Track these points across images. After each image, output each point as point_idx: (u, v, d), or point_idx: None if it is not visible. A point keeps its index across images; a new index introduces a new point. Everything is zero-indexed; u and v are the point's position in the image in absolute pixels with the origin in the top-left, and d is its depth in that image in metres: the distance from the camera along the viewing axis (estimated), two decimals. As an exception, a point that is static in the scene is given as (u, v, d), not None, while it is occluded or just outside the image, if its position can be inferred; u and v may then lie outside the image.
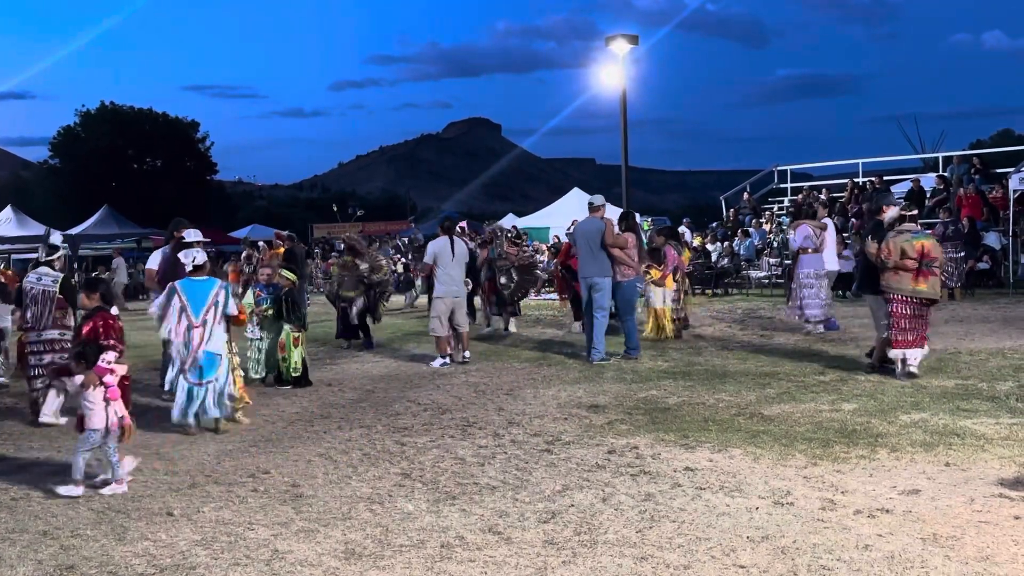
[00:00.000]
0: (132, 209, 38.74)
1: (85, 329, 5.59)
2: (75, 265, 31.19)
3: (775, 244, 20.85)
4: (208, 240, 9.03)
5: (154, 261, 9.29)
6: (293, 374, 9.04)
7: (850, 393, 7.67)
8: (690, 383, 8.48)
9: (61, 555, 4.35)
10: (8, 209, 30.17)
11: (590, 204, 10.56)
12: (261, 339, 9.34)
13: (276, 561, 4.18)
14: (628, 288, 10.13)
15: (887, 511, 4.54)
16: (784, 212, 23.33)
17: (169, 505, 5.12)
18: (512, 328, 13.54)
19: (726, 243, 22.52)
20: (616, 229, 10.51)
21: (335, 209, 23.63)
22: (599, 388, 8.41)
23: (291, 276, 9.59)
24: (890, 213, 8.65)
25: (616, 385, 8.54)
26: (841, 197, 22.22)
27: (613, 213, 11.97)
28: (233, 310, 7.21)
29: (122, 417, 5.49)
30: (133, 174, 50.33)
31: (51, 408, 7.44)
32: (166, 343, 7.46)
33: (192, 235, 8.25)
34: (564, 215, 25.02)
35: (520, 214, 35.64)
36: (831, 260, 12.25)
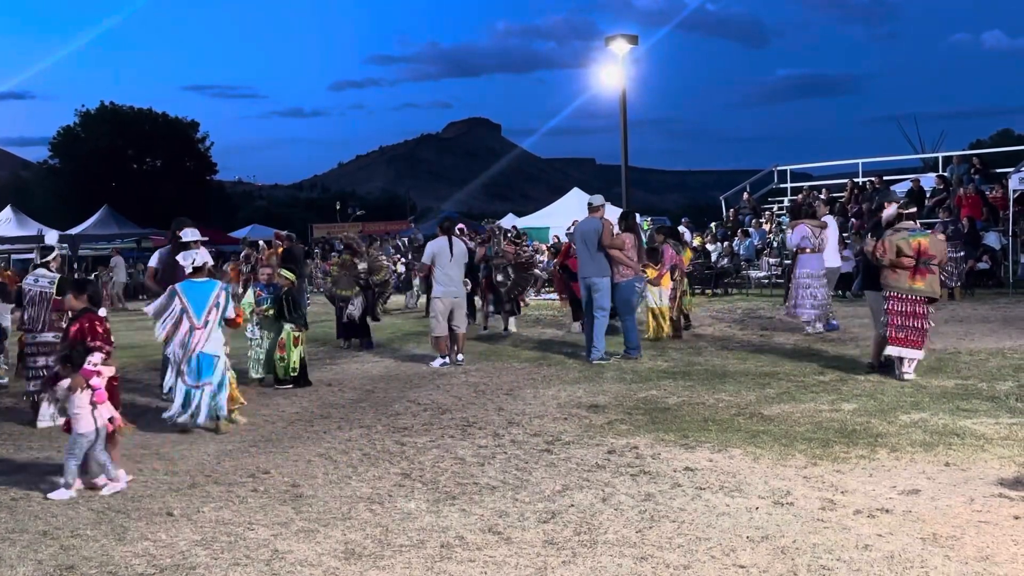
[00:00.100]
0: (132, 209, 38.76)
1: (72, 331, 5.58)
2: (75, 265, 31.22)
3: (775, 244, 20.85)
4: (206, 239, 9.02)
5: (155, 260, 9.30)
6: (291, 373, 9.04)
7: (850, 393, 7.67)
8: (690, 383, 8.48)
9: (61, 555, 4.36)
10: (8, 209, 30.20)
11: (589, 204, 10.56)
12: (261, 339, 9.34)
13: (276, 561, 4.18)
14: (626, 288, 10.13)
15: (887, 511, 4.54)
16: (784, 212, 23.33)
17: (169, 505, 5.12)
18: (512, 328, 13.54)
19: (726, 243, 22.52)
20: (616, 229, 10.51)
21: (337, 209, 23.66)
22: (599, 388, 8.42)
23: (290, 276, 9.59)
24: (888, 211, 8.65)
25: (616, 385, 8.54)
26: (841, 197, 22.22)
27: (613, 213, 11.98)
28: (231, 313, 7.21)
29: (112, 418, 5.48)
30: (133, 174, 50.36)
31: (48, 412, 7.45)
32: (167, 344, 7.46)
33: (189, 235, 8.25)
34: (564, 215, 25.03)
35: (520, 214, 35.65)
36: (832, 258, 12.23)
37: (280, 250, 15.26)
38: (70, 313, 5.88)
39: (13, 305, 8.70)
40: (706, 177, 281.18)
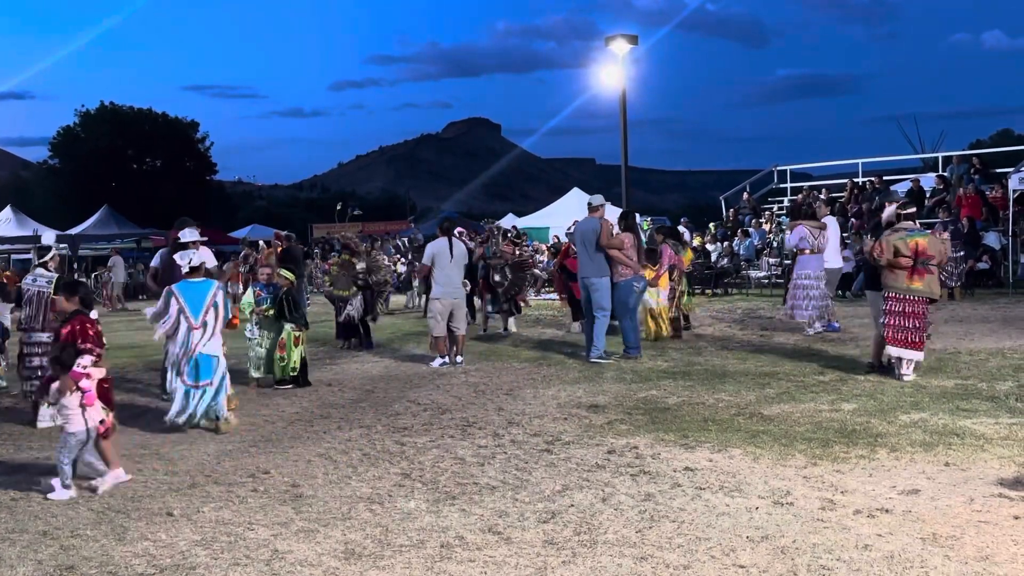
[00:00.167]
0: (132, 209, 38.76)
1: (63, 333, 5.58)
2: (75, 265, 31.21)
3: (775, 244, 20.86)
4: (205, 239, 9.01)
5: (156, 260, 9.33)
6: (292, 373, 9.04)
7: (850, 393, 7.67)
8: (690, 383, 8.49)
9: (61, 555, 4.36)
10: (8, 209, 30.21)
11: (589, 204, 10.58)
12: (260, 339, 9.33)
13: (276, 561, 4.18)
14: (624, 288, 10.13)
15: (887, 511, 4.54)
16: (784, 212, 23.34)
17: (169, 505, 5.12)
18: (512, 328, 13.54)
19: (726, 243, 22.52)
20: (616, 229, 10.52)
21: (337, 209, 23.65)
22: (599, 388, 8.42)
23: (289, 276, 9.58)
24: (887, 212, 8.65)
25: (616, 385, 8.54)
26: (841, 197, 22.23)
27: (613, 213, 11.98)
28: (229, 314, 7.19)
29: (102, 420, 5.47)
30: (133, 174, 50.35)
31: (48, 413, 7.46)
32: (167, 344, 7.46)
33: (187, 235, 8.27)
34: (564, 215, 25.04)
35: (520, 214, 35.65)
36: (833, 259, 12.22)
37: (279, 250, 15.25)
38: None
39: (13, 305, 8.72)
40: (706, 177, 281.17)
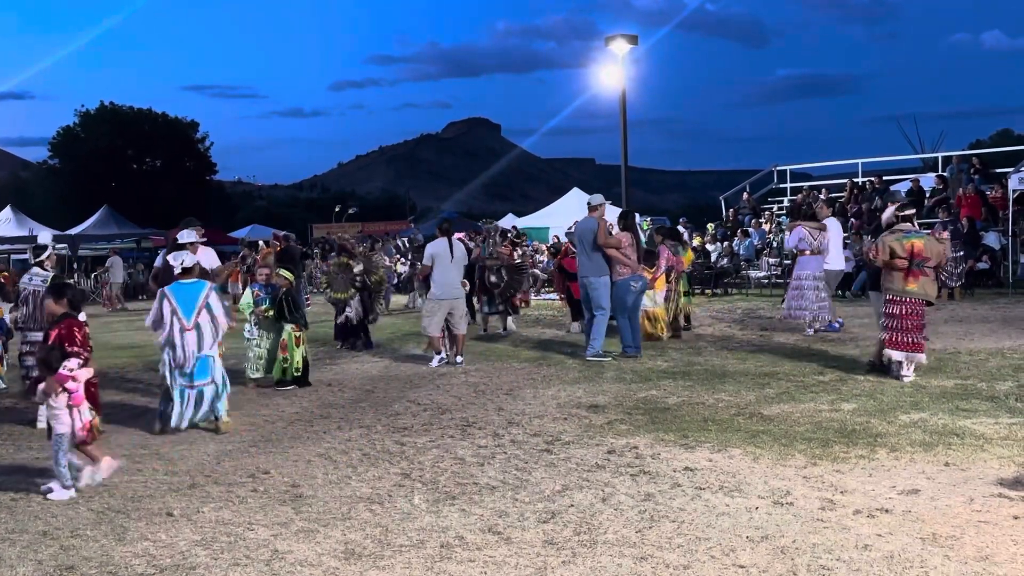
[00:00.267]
0: (132, 209, 38.79)
1: (52, 335, 5.57)
2: (75, 265, 31.21)
3: (774, 244, 20.87)
4: (204, 240, 9.01)
5: (159, 261, 9.35)
6: (296, 373, 9.04)
7: (849, 393, 7.67)
8: (690, 383, 8.49)
9: (61, 555, 4.36)
10: (8, 209, 30.23)
11: (588, 204, 10.59)
12: (259, 339, 9.32)
13: (276, 561, 4.18)
14: (621, 287, 10.14)
15: (886, 511, 4.54)
16: (783, 212, 23.35)
17: (169, 505, 5.12)
18: (512, 327, 13.54)
19: (726, 243, 22.53)
20: (616, 229, 10.53)
21: (336, 211, 23.69)
22: (599, 388, 8.42)
23: (288, 275, 9.56)
24: (886, 213, 8.66)
25: (616, 385, 8.54)
26: (841, 197, 22.23)
27: (613, 213, 11.99)
28: (223, 317, 7.11)
29: (90, 421, 5.47)
30: (133, 174, 50.37)
31: (44, 414, 7.47)
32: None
33: (185, 236, 8.28)
34: (564, 215, 25.04)
35: (520, 214, 35.65)
36: (835, 260, 12.20)
37: (277, 250, 15.25)
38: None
39: (12, 304, 8.74)
40: (706, 177, 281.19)
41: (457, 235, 11.81)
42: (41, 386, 5.43)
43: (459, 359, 10.35)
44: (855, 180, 23.23)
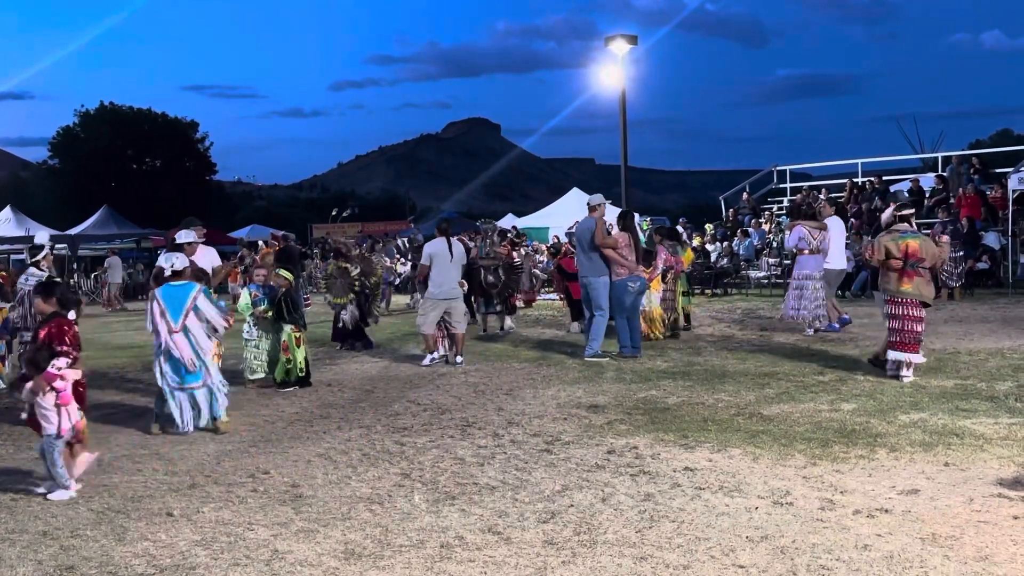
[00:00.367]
0: (131, 209, 38.79)
1: (41, 334, 5.56)
2: (75, 265, 31.21)
3: (774, 244, 20.87)
4: (202, 241, 9.01)
5: (159, 261, 9.35)
6: (299, 374, 9.03)
7: (849, 393, 7.67)
8: (689, 383, 8.49)
9: (61, 555, 4.36)
10: (7, 209, 30.21)
11: (588, 204, 10.60)
12: (258, 340, 9.30)
13: (276, 561, 4.18)
14: (619, 288, 10.15)
15: (886, 511, 4.54)
16: (783, 212, 23.35)
17: (169, 505, 5.12)
18: (511, 325, 13.54)
19: (725, 243, 22.53)
20: (615, 229, 10.53)
21: (332, 215, 23.67)
22: (598, 388, 8.42)
23: (288, 276, 9.54)
24: (885, 213, 8.67)
25: (615, 385, 8.54)
26: (841, 197, 22.23)
27: (614, 213, 11.99)
28: (216, 318, 7.10)
29: (75, 423, 5.46)
30: (132, 174, 50.39)
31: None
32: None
33: (183, 236, 8.28)
34: (563, 215, 25.03)
35: (520, 214, 35.64)
36: (837, 259, 12.18)
37: (276, 250, 15.24)
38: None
39: (11, 304, 8.75)
40: (706, 177, 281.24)
41: (457, 238, 11.81)
42: (28, 385, 5.41)
43: (459, 359, 10.35)
44: (855, 180, 23.23)
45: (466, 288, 10.92)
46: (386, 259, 19.82)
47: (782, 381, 8.39)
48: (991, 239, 17.54)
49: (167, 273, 7.14)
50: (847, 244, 16.17)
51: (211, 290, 7.88)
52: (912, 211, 8.62)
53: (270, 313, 9.13)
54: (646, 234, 13.56)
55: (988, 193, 19.09)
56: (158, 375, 7.07)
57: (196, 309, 6.99)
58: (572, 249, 14.95)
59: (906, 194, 18.55)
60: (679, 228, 18.53)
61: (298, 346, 9.03)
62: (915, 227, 8.48)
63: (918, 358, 8.14)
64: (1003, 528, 4.24)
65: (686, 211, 49.74)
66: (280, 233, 25.42)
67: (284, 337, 9.02)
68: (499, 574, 3.95)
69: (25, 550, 4.45)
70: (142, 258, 34.91)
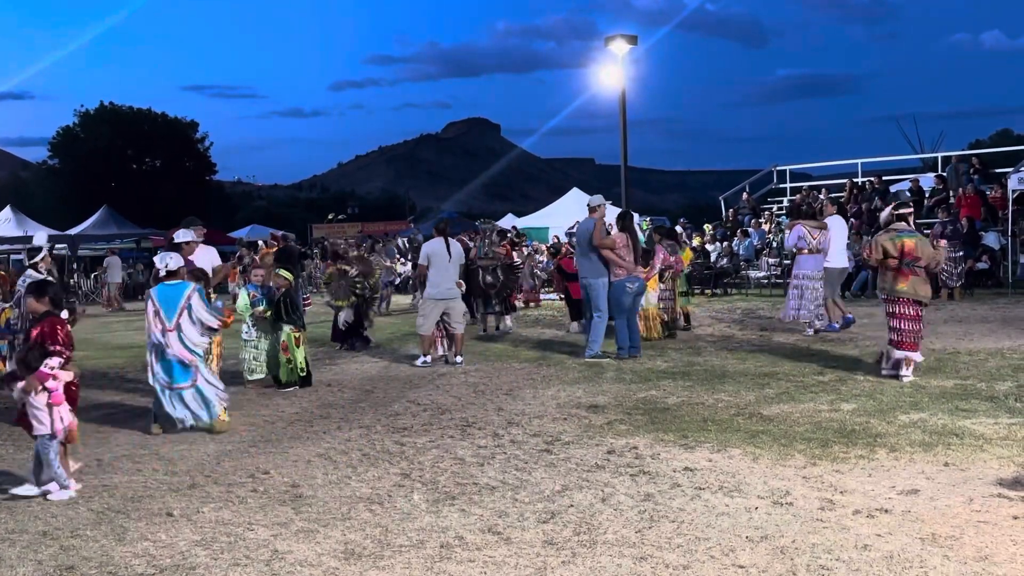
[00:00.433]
0: (131, 209, 38.78)
1: (33, 334, 5.56)
2: (74, 265, 31.21)
3: (774, 244, 20.87)
4: (200, 241, 9.01)
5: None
6: (300, 374, 9.03)
7: (849, 393, 7.67)
8: (689, 383, 8.49)
9: (61, 555, 4.36)
10: (7, 209, 30.20)
11: (588, 205, 10.62)
12: (257, 340, 9.29)
13: (276, 561, 4.18)
14: (617, 288, 10.16)
15: (886, 511, 4.54)
16: (783, 212, 23.34)
17: (169, 505, 5.12)
18: (509, 324, 13.53)
19: (725, 243, 22.53)
20: (615, 230, 10.54)
21: (328, 219, 23.72)
22: (598, 388, 8.42)
23: (288, 276, 9.54)
24: (884, 213, 8.68)
25: (615, 385, 8.54)
26: (840, 197, 22.22)
27: (614, 213, 11.99)
28: (209, 318, 7.10)
29: (68, 424, 5.46)
30: (132, 174, 50.36)
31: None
32: None
33: (181, 235, 8.29)
34: (563, 215, 25.03)
35: (519, 214, 35.63)
36: (838, 257, 12.15)
37: (274, 250, 15.23)
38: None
39: (10, 304, 8.75)
40: (706, 177, 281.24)
41: (458, 238, 11.82)
42: (20, 384, 5.40)
43: (458, 359, 10.36)
44: (855, 180, 23.23)
45: (464, 288, 10.92)
46: (386, 259, 19.81)
47: (782, 381, 8.39)
48: (991, 239, 17.54)
49: (161, 273, 7.15)
50: (847, 244, 16.19)
51: (211, 290, 7.89)
52: (910, 210, 8.63)
53: (269, 313, 9.13)
54: (646, 234, 13.57)
55: (988, 193, 19.09)
56: (150, 374, 7.09)
57: (189, 308, 6.99)
58: (572, 249, 14.97)
59: (907, 194, 18.56)
60: (678, 228, 18.54)
61: (298, 346, 9.03)
62: (912, 226, 8.48)
63: (917, 356, 8.15)
64: (1003, 528, 4.24)
65: (686, 211, 49.76)
66: (280, 233, 25.42)
67: (283, 337, 9.02)
68: (499, 574, 3.95)
69: (25, 550, 4.45)
70: (142, 258, 34.90)
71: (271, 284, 9.44)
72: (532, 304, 18.12)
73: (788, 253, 14.68)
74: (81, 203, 40.34)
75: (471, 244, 14.28)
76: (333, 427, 7.16)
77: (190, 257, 8.40)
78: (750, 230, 22.69)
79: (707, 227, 24.87)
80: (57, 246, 30.14)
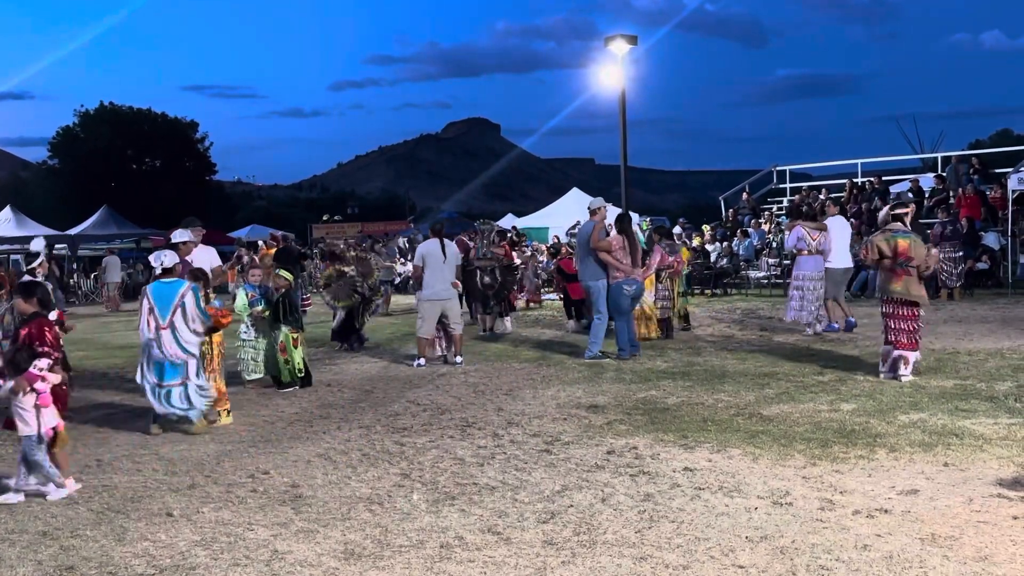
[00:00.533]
0: (131, 209, 38.78)
1: (21, 334, 5.55)
2: (74, 265, 31.20)
3: (774, 244, 20.87)
4: (198, 242, 9.00)
5: None
6: (298, 375, 9.03)
7: (849, 393, 7.67)
8: (689, 383, 8.49)
9: (61, 555, 4.36)
10: (7, 209, 30.22)
11: (588, 208, 10.64)
12: (256, 340, 9.29)
13: (276, 561, 4.18)
14: (615, 290, 10.17)
15: (886, 511, 4.54)
16: (783, 212, 23.34)
17: (169, 505, 5.12)
18: (508, 326, 13.53)
19: (725, 243, 22.53)
20: (613, 231, 10.54)
21: (323, 219, 23.77)
22: (598, 388, 8.42)
23: (288, 276, 9.54)
24: (881, 213, 8.70)
25: (615, 385, 8.54)
26: (840, 197, 22.22)
27: (615, 214, 11.99)
28: (196, 323, 7.09)
29: (54, 426, 5.46)
30: (132, 174, 50.35)
31: None
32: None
33: (178, 236, 8.30)
34: (563, 215, 25.04)
35: (519, 214, 35.66)
36: (841, 258, 12.14)
37: (273, 250, 15.22)
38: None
39: (8, 306, 8.77)
40: (706, 177, 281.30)
41: (457, 238, 11.82)
42: (8, 384, 5.39)
43: (458, 359, 10.36)
44: (855, 180, 23.23)
45: (460, 288, 10.92)
46: (386, 259, 19.80)
47: (782, 381, 8.40)
48: (991, 239, 17.53)
49: (157, 271, 7.17)
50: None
51: (210, 291, 7.89)
52: (906, 211, 8.63)
53: (267, 313, 9.14)
54: (646, 234, 13.56)
55: (988, 193, 19.08)
56: (139, 372, 7.10)
57: (183, 307, 7.00)
58: (571, 250, 14.97)
59: (909, 195, 18.56)
60: (677, 228, 18.52)
61: (295, 347, 9.03)
62: (909, 227, 8.49)
63: (913, 356, 8.16)
64: (1002, 528, 4.24)
65: (686, 211, 49.73)
66: (279, 233, 25.42)
67: (281, 338, 9.02)
68: (499, 574, 3.95)
69: (25, 550, 4.45)
70: (142, 258, 34.91)
71: (269, 284, 9.44)
72: (533, 304, 18.14)
73: (788, 254, 14.68)
74: (81, 203, 40.33)
75: (471, 244, 14.28)
76: (333, 427, 7.16)
77: (188, 257, 8.40)
78: (750, 230, 22.69)
79: (705, 228, 24.87)
80: (57, 246, 30.15)
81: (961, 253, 16.14)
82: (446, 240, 10.60)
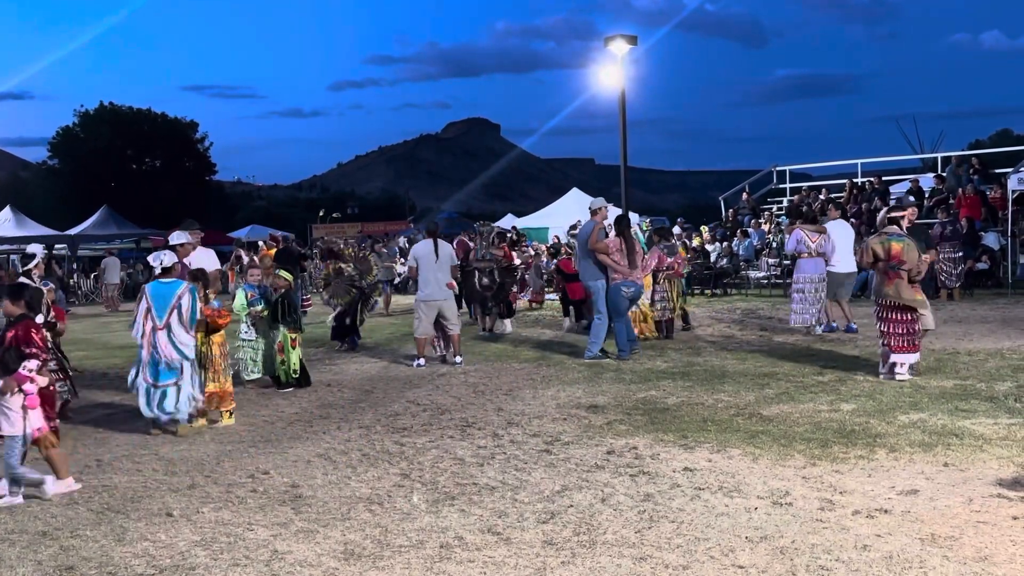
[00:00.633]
0: (131, 209, 38.78)
1: (8, 336, 5.55)
2: (74, 266, 31.19)
3: (774, 244, 20.87)
4: (196, 244, 9.00)
5: None
6: (294, 375, 9.03)
7: (849, 393, 7.67)
8: (689, 383, 8.49)
9: (61, 556, 4.36)
10: (7, 210, 30.21)
11: (589, 208, 10.65)
12: (255, 340, 9.28)
13: (276, 561, 4.19)
14: (613, 291, 10.18)
15: (885, 511, 4.54)
16: (783, 212, 23.33)
17: (169, 505, 5.12)
18: (507, 328, 13.52)
19: (725, 243, 22.53)
20: (612, 233, 10.55)
21: (320, 215, 23.76)
22: (598, 388, 8.42)
23: (288, 276, 9.54)
24: (880, 215, 8.72)
25: (615, 385, 8.54)
26: (840, 197, 22.23)
27: (615, 214, 11.99)
28: (196, 316, 7.10)
29: (39, 428, 5.44)
30: (132, 174, 50.35)
31: None
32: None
33: (176, 237, 8.31)
34: (563, 215, 25.03)
35: (519, 214, 35.66)
36: (844, 261, 12.13)
37: (272, 251, 15.21)
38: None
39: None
40: (706, 177, 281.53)
41: (457, 239, 11.82)
42: None
43: (457, 359, 10.37)
44: (855, 180, 23.22)
45: (457, 289, 10.92)
46: (386, 259, 19.79)
47: (782, 381, 8.40)
48: (991, 239, 17.53)
49: (156, 271, 7.17)
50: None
51: (209, 292, 7.88)
52: (903, 213, 8.64)
53: (266, 313, 9.14)
54: (646, 235, 13.56)
55: (988, 193, 19.07)
56: (133, 371, 7.09)
57: (179, 308, 7.00)
58: (570, 251, 14.96)
59: (911, 198, 18.54)
60: (676, 229, 18.52)
61: (293, 348, 9.03)
62: (904, 230, 8.51)
63: (911, 358, 8.18)
64: (1002, 528, 4.24)
65: (686, 211, 49.75)
66: (279, 234, 25.42)
67: (279, 338, 9.02)
68: (499, 574, 3.95)
69: (25, 550, 4.45)
70: (141, 258, 34.92)
71: (268, 284, 9.44)
72: (536, 304, 18.14)
73: (788, 256, 14.69)
74: (81, 203, 40.34)
75: (472, 245, 14.28)
76: (333, 427, 7.16)
77: (186, 259, 8.40)
78: (750, 230, 22.69)
79: (704, 229, 24.86)
80: (57, 246, 30.14)
81: (961, 253, 16.13)
82: (441, 241, 10.60)
